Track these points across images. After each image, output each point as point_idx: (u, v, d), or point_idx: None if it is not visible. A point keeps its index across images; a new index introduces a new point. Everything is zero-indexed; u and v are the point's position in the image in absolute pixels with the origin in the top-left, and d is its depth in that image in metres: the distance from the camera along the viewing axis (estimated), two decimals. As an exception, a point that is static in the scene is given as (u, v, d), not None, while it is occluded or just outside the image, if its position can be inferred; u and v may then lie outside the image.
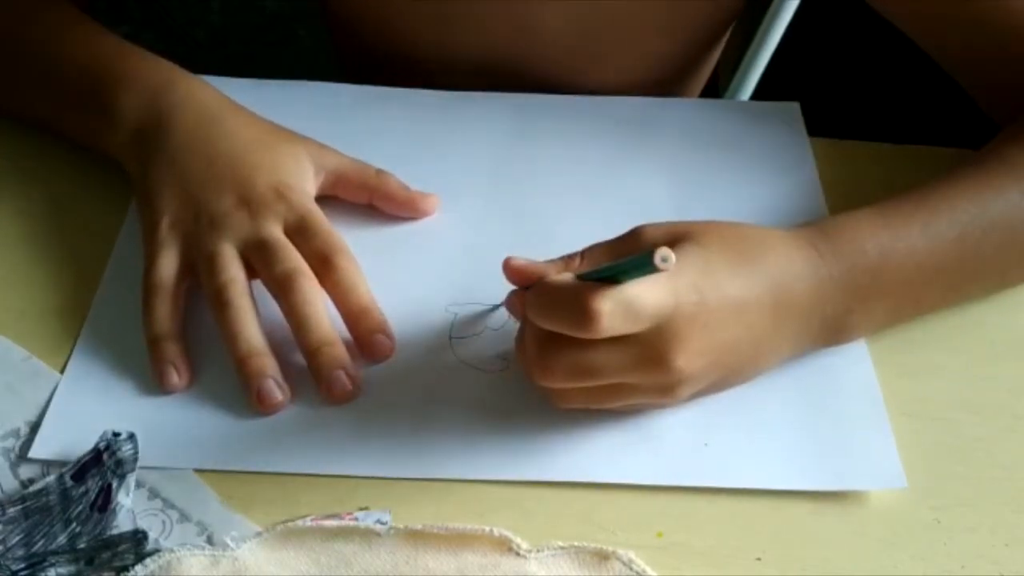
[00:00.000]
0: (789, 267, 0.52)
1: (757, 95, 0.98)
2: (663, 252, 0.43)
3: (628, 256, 0.46)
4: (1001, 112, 0.65)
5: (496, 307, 0.59)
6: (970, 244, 0.55)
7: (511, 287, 0.55)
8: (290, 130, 0.63)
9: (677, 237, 0.51)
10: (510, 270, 0.54)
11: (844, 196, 0.64)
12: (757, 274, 0.51)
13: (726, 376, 0.53)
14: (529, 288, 0.51)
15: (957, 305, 0.59)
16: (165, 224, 0.58)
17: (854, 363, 0.57)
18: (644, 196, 0.65)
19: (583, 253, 0.54)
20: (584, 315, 0.45)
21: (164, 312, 0.56)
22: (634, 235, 0.53)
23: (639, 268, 0.45)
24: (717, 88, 0.96)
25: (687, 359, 0.48)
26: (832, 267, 0.53)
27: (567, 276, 0.48)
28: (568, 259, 0.54)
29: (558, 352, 0.49)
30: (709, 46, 0.83)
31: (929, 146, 0.69)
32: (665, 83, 0.82)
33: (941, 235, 0.55)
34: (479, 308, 0.59)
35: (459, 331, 0.58)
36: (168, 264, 0.57)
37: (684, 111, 0.71)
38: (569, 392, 0.51)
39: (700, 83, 0.89)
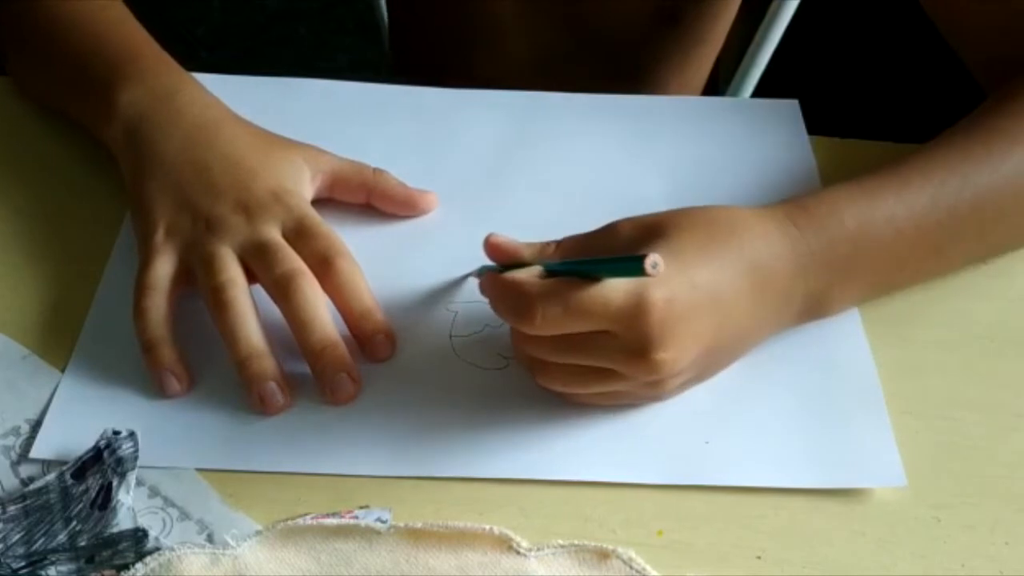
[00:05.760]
0: (766, 246, 0.52)
1: (757, 93, 0.97)
2: (654, 258, 0.43)
3: (601, 250, 0.47)
4: (996, 85, 0.64)
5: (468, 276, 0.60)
6: (944, 205, 0.56)
7: None
8: (285, 137, 0.63)
9: (650, 232, 0.51)
10: (489, 246, 0.56)
11: (844, 195, 0.64)
12: (730, 256, 0.51)
13: (712, 363, 0.53)
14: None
15: (942, 274, 0.59)
16: (161, 230, 0.58)
17: (854, 361, 0.57)
18: (643, 194, 0.65)
19: (559, 243, 0.55)
20: (524, 313, 0.48)
21: (158, 315, 0.56)
22: (609, 230, 0.53)
23: (628, 271, 0.45)
24: (717, 87, 0.96)
25: (668, 354, 0.48)
26: (812, 241, 0.53)
27: (533, 270, 0.50)
28: (544, 246, 0.55)
29: None
30: None
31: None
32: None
33: (916, 199, 0.55)
34: (479, 303, 0.59)
35: (459, 329, 0.58)
36: (163, 268, 0.57)
37: (684, 109, 0.71)
38: (556, 370, 0.51)
39: (701, 78, 0.89)
